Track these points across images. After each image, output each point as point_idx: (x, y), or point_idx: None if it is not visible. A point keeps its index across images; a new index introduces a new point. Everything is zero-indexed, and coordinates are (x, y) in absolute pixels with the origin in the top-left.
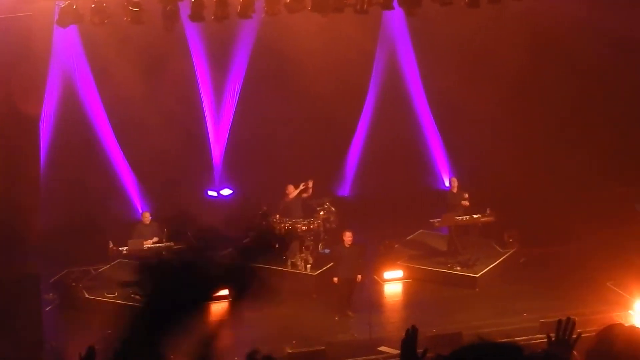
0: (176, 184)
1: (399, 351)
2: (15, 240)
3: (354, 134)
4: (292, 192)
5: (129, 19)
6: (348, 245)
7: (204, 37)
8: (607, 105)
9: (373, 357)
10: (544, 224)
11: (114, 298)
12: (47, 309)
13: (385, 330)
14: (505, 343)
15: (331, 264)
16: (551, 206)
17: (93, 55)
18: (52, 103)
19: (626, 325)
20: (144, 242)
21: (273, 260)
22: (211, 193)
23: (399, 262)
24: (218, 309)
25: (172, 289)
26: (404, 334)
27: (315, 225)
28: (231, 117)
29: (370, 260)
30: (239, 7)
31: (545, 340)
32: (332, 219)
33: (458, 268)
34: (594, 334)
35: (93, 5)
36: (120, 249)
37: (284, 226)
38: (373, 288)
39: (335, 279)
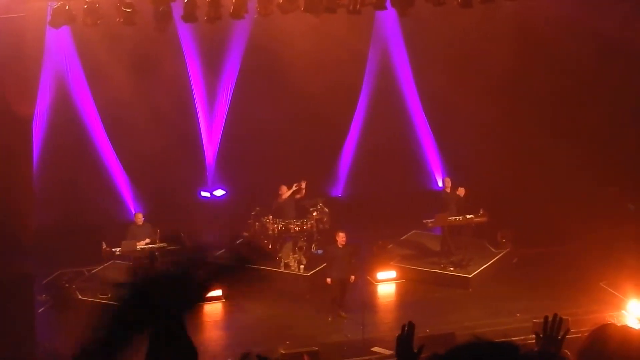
0: (169, 185)
1: (392, 352)
2: (8, 241)
3: (347, 135)
4: (285, 192)
5: (122, 20)
6: (341, 246)
7: (197, 37)
8: (599, 105)
9: (366, 357)
10: (537, 225)
11: (107, 299)
12: (40, 310)
13: (378, 331)
14: (501, 342)
15: (324, 264)
16: (544, 206)
17: (86, 55)
18: (44, 103)
19: (619, 325)
20: (137, 243)
21: (266, 261)
22: (204, 194)
23: (392, 263)
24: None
25: (158, 299)
26: (398, 334)
27: (309, 226)
28: (224, 118)
29: (363, 260)
30: (232, 7)
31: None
32: (325, 219)
33: (451, 268)
34: (586, 334)
35: (85, 6)
36: (114, 250)
37: (277, 227)
38: (366, 289)
39: (329, 280)
